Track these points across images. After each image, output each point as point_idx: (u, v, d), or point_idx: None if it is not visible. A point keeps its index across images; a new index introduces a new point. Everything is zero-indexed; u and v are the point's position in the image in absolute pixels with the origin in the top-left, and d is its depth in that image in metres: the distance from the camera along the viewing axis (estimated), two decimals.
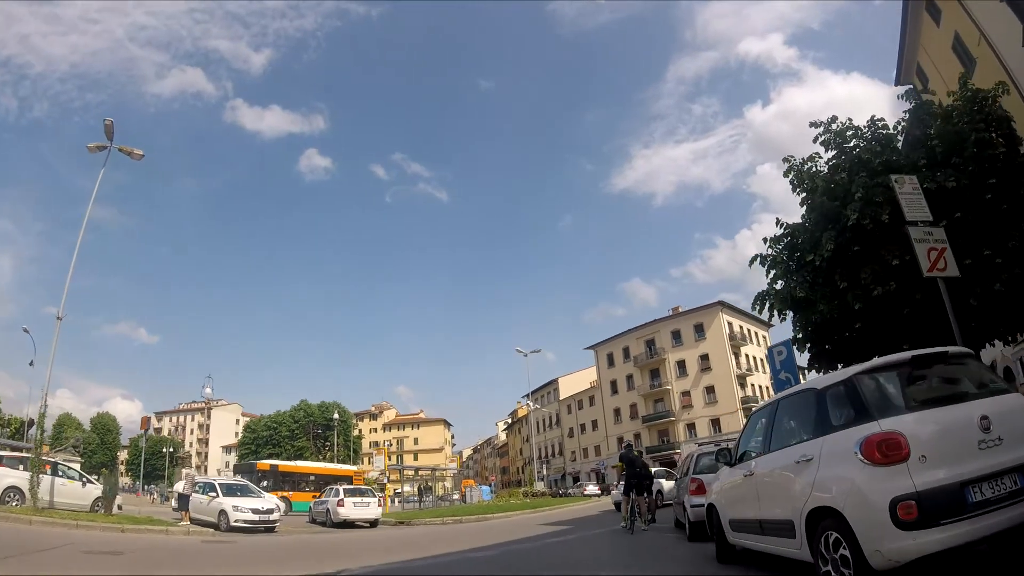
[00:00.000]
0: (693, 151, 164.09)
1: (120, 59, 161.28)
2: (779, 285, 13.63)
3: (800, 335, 13.56)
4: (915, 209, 9.12)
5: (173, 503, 26.98)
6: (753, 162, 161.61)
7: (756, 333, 75.80)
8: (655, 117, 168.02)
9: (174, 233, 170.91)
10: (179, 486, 21.51)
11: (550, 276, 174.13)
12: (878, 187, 10.81)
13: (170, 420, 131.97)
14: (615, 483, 19.39)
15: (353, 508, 22.91)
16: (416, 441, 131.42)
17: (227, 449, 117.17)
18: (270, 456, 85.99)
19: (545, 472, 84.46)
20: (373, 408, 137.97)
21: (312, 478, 35.52)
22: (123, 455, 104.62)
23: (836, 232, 11.41)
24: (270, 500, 21.64)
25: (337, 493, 23.63)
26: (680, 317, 73.62)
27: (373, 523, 23.33)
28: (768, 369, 70.37)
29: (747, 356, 70.89)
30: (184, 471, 22.23)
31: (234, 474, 32.62)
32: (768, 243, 13.75)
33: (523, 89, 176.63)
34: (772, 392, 17.75)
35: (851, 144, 12.56)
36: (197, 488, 20.87)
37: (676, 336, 72.51)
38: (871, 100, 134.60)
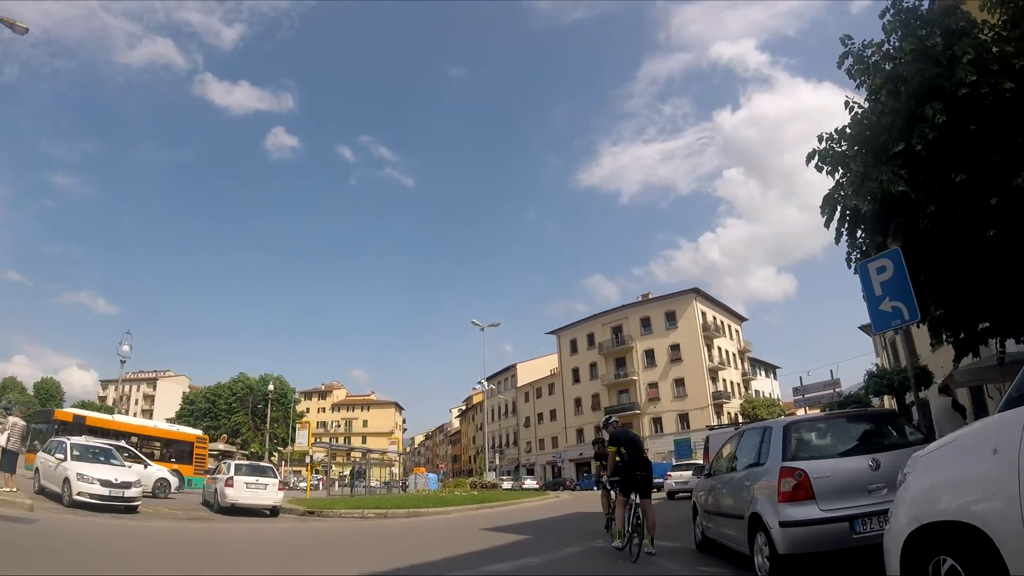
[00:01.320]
0: (661, 151, 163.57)
1: (92, 27, 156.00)
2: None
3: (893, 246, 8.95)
4: None
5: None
6: (720, 166, 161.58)
7: (729, 326, 71.69)
8: (625, 116, 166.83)
9: (138, 204, 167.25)
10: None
11: (512, 268, 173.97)
12: (989, 54, 8.02)
13: (116, 389, 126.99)
14: (595, 476, 14.04)
15: (244, 490, 17.72)
16: (365, 423, 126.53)
17: (171, 422, 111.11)
18: (207, 430, 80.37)
19: (498, 462, 79.24)
20: (323, 387, 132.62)
21: (135, 439, 26.73)
22: None
23: (943, 105, 7.90)
24: (132, 471, 16.56)
25: (229, 470, 18.54)
26: (650, 303, 68.76)
27: (273, 511, 18.23)
28: (739, 364, 66.14)
29: (720, 349, 66.48)
30: (10, 419, 16.20)
31: (34, 422, 25.25)
32: (825, 141, 9.93)
33: (494, 79, 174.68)
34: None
35: (924, 33, 8.94)
36: (48, 447, 16.64)
37: (645, 324, 67.54)
38: (842, 110, 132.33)
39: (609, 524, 10.42)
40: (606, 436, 10.29)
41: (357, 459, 44.72)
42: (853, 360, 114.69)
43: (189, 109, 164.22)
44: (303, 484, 45.04)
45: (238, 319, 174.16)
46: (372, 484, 38.35)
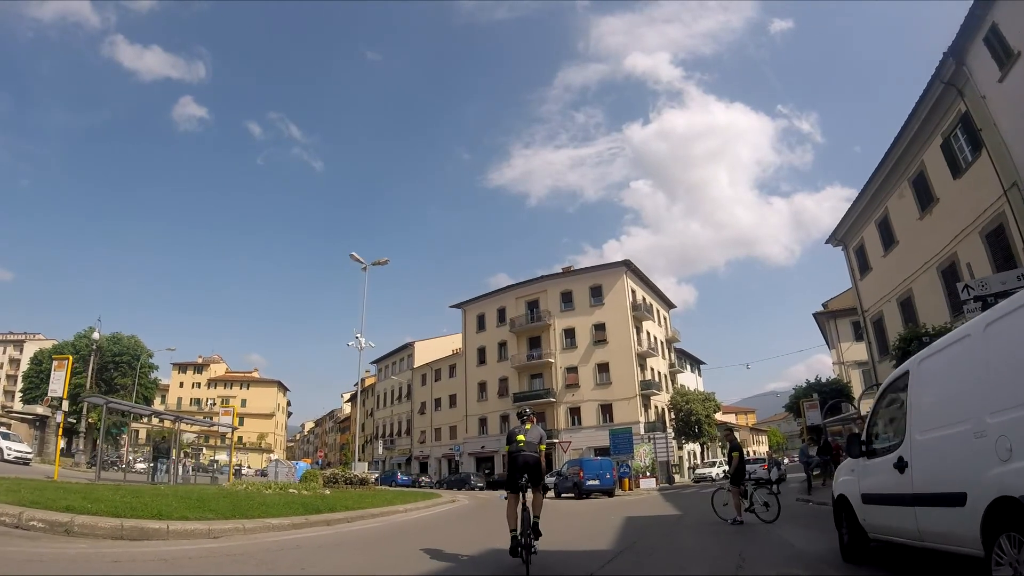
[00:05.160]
0: (571, 158, 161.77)
1: None
2: None
3: None
4: None
5: None
6: (628, 176, 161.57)
7: (659, 311, 63.44)
8: (538, 120, 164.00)
9: (39, 167, 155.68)
10: None
11: (418, 261, 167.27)
12: None
13: None
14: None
15: None
16: (244, 403, 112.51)
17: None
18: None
19: (382, 451, 68.01)
20: (200, 359, 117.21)
21: None
22: None
23: None
24: None
25: None
26: (574, 276, 59.28)
27: None
28: (667, 353, 56.16)
29: (648, 334, 57.93)
30: None
31: None
32: None
33: (411, 68, 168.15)
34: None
35: None
36: None
37: (567, 299, 58.02)
38: (752, 131, 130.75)
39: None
40: None
41: (164, 434, 34.30)
42: (784, 357, 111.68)
43: (97, 71, 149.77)
44: (140, 465, 34.52)
45: (137, 289, 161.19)
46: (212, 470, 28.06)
